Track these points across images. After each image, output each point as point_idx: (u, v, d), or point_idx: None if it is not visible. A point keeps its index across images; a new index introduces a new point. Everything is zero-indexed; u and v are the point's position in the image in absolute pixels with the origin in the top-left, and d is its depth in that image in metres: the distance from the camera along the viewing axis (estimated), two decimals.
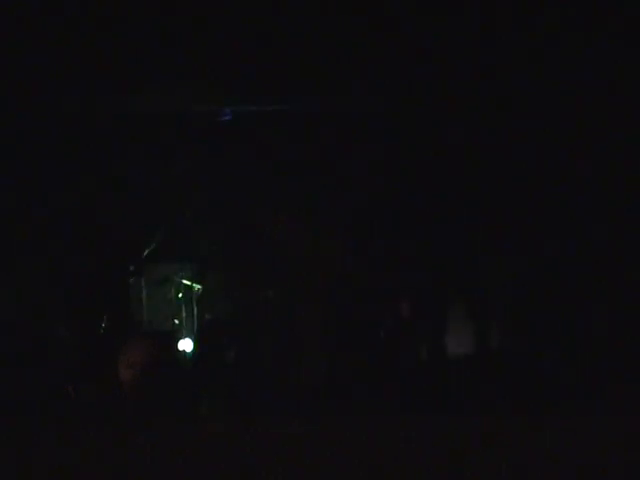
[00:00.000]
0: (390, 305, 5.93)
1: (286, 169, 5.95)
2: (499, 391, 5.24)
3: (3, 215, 5.83)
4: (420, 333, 5.91)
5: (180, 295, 6.36)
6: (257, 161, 6.00)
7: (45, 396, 5.24)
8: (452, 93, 5.74)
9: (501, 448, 3.82)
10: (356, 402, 5.13)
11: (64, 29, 5.31)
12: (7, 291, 5.81)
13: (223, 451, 3.95)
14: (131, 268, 6.06)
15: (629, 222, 5.77)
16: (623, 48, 5.47)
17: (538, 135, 5.80)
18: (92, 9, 5.24)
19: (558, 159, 5.82)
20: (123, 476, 3.66)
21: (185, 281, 6.35)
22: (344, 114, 5.91)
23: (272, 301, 5.87)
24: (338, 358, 5.62)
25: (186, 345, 6.10)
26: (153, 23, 5.36)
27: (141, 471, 3.73)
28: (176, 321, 6.35)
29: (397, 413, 4.89)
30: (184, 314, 6.33)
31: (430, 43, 5.52)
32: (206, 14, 5.33)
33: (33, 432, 4.51)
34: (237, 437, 4.25)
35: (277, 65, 5.63)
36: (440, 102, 5.78)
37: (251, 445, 3.90)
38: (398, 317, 5.92)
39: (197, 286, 6.33)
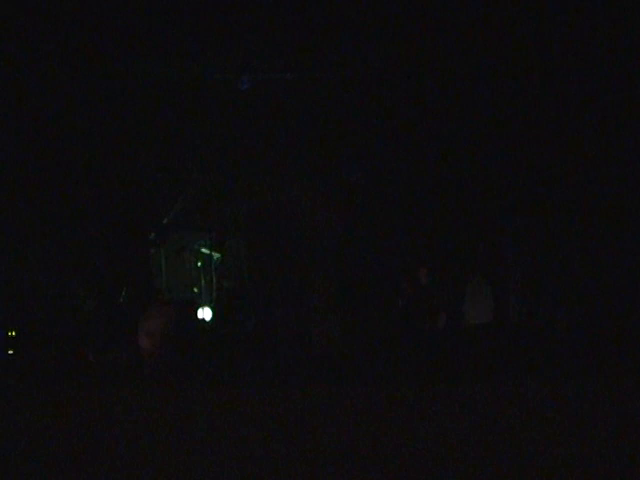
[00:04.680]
0: (409, 273, 5.93)
1: (303, 137, 5.94)
2: (515, 361, 5.24)
3: (24, 186, 5.86)
4: (438, 301, 5.91)
5: (199, 264, 6.39)
6: (275, 130, 5.99)
7: (67, 363, 5.29)
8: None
9: (516, 417, 3.82)
10: (371, 371, 5.15)
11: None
12: (30, 261, 5.85)
13: (239, 418, 3.96)
14: (151, 237, 6.09)
15: None
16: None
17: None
18: None
19: (577, 130, 5.80)
20: (142, 441, 3.68)
21: (204, 250, 6.37)
22: (364, 82, 5.88)
23: (289, 270, 5.88)
24: (355, 326, 5.64)
25: (205, 313, 6.14)
26: None
27: (160, 436, 3.75)
28: (195, 289, 6.38)
29: (412, 382, 4.90)
30: (203, 283, 6.35)
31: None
32: None
33: (55, 397, 4.55)
34: (254, 404, 4.26)
35: (296, 32, 5.61)
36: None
37: (266, 412, 3.92)
38: (417, 285, 5.92)
39: (216, 255, 6.35)
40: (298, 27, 5.61)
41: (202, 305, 6.20)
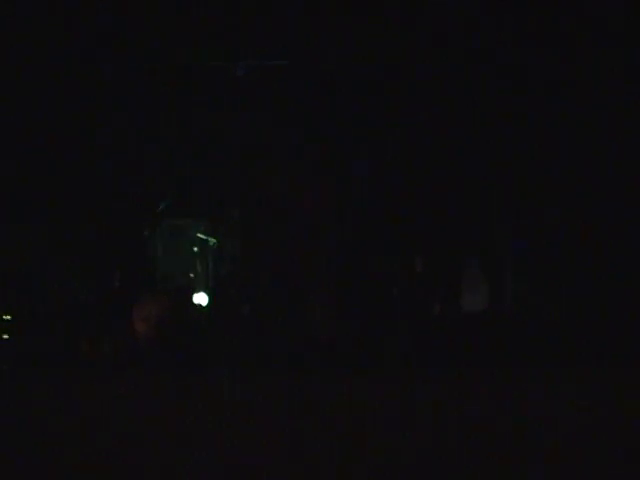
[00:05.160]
0: (404, 260, 5.92)
1: (301, 124, 5.92)
2: (513, 348, 5.23)
3: (23, 169, 5.84)
4: (434, 289, 5.90)
5: (195, 249, 6.37)
6: (272, 115, 5.97)
7: (61, 350, 5.29)
8: None
9: (515, 404, 3.82)
10: (367, 359, 5.14)
11: None
12: (24, 247, 5.84)
13: (236, 405, 3.96)
14: (146, 222, 6.07)
15: None
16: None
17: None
18: None
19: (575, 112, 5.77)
20: (138, 427, 3.69)
21: (201, 235, 6.36)
22: (362, 69, 5.85)
23: (285, 257, 5.87)
24: (350, 314, 5.63)
25: (201, 299, 6.13)
26: None
27: (156, 423, 3.75)
28: (191, 275, 6.37)
29: (409, 370, 4.89)
30: (199, 268, 6.34)
31: None
32: None
33: (49, 384, 4.54)
34: (249, 391, 4.25)
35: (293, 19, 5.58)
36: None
37: (261, 399, 3.91)
38: (413, 272, 5.91)
39: (213, 240, 6.33)
40: (299, 10, 5.59)
41: (198, 290, 6.19)
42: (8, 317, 5.68)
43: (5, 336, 5.60)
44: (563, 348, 5.22)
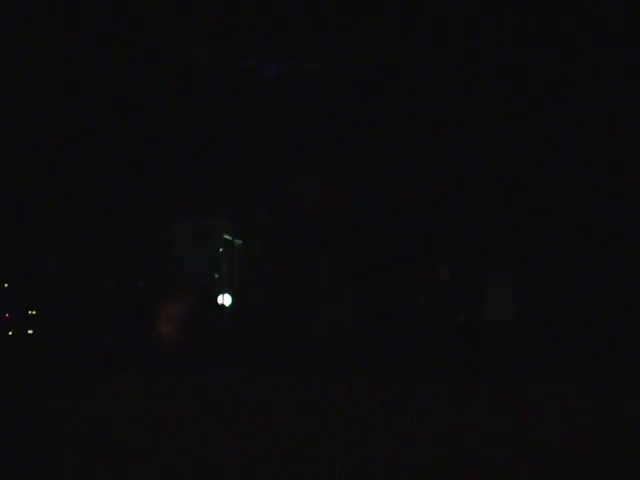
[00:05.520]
0: (430, 269, 5.90)
1: (327, 128, 5.91)
2: (535, 359, 5.21)
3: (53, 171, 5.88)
4: (459, 298, 5.88)
5: (221, 250, 6.38)
6: (299, 118, 5.97)
7: (85, 348, 5.33)
8: None
9: (534, 414, 3.80)
10: (391, 367, 5.13)
11: None
12: (51, 245, 5.88)
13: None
14: (172, 222, 6.10)
15: None
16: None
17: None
18: None
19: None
20: (159, 426, 3.70)
21: (226, 236, 6.37)
22: (394, 74, 5.84)
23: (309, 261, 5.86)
24: (373, 321, 5.62)
25: (225, 300, 6.15)
26: None
27: (178, 423, 3.76)
28: (216, 275, 6.38)
29: (435, 379, 4.88)
30: (224, 269, 6.35)
31: None
32: None
33: (72, 381, 4.58)
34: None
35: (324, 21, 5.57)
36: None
37: (280, 401, 3.92)
38: (438, 281, 5.89)
39: (238, 242, 6.35)
40: (329, 13, 5.58)
41: (222, 291, 6.21)
42: (33, 312, 5.73)
43: (30, 331, 5.65)
44: (573, 355, 5.20)
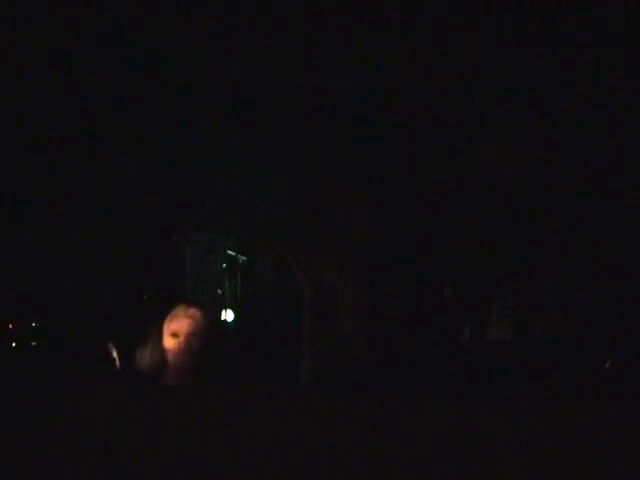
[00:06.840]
0: (434, 286, 5.88)
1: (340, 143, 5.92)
2: (541, 378, 5.17)
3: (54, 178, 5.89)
4: (462, 316, 5.85)
5: (224, 265, 6.38)
6: (309, 135, 5.98)
7: (90, 360, 5.31)
8: None
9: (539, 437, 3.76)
10: (393, 385, 5.10)
11: None
12: (56, 257, 5.88)
13: (263, 420, 3.92)
14: (177, 237, 6.10)
15: None
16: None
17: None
18: None
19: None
20: (163, 439, 3.66)
21: (230, 252, 6.37)
22: (409, 90, 5.85)
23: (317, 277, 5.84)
24: (380, 340, 5.59)
25: (228, 315, 6.14)
26: None
27: (182, 437, 3.73)
28: (219, 291, 6.37)
29: (437, 397, 4.84)
30: (227, 285, 6.35)
31: None
32: None
33: (77, 394, 4.54)
34: (273, 409, 4.22)
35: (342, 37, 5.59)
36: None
37: (285, 418, 3.89)
38: (442, 298, 5.87)
39: (242, 257, 6.35)
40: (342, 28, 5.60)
41: (225, 307, 6.20)
42: (37, 324, 5.72)
43: (33, 343, 5.64)
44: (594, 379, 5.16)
